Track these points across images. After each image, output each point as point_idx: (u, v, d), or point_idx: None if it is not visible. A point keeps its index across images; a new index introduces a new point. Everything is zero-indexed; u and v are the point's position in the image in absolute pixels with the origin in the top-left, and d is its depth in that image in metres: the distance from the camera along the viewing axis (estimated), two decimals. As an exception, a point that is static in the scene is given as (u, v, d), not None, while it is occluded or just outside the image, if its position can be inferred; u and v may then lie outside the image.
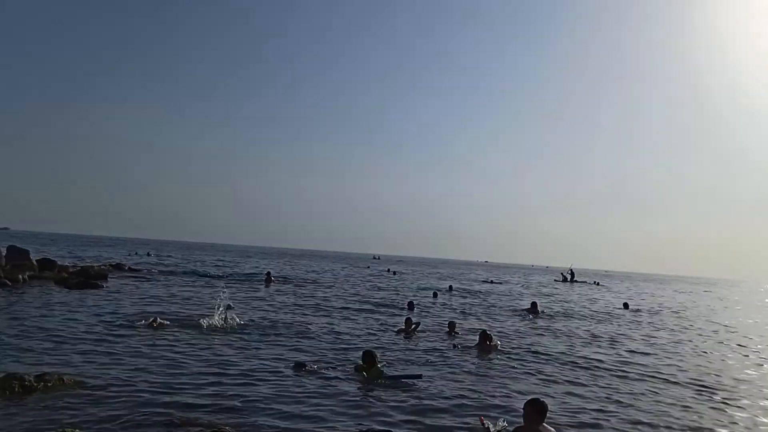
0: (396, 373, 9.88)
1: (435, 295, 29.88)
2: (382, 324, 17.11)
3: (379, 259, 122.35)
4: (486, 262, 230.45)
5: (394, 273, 54.72)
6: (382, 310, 21.35)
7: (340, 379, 9.41)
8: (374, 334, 14.91)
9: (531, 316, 22.32)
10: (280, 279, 35.34)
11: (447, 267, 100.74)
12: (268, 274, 33.90)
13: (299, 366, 9.82)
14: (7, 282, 20.87)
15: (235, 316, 15.29)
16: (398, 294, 29.97)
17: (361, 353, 10.22)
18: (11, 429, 6.14)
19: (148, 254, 60.50)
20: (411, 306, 21.58)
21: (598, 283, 61.34)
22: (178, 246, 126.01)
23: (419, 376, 9.56)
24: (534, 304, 24.52)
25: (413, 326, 15.38)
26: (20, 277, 21.89)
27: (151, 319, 13.86)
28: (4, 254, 23.68)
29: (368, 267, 68.03)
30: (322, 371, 9.78)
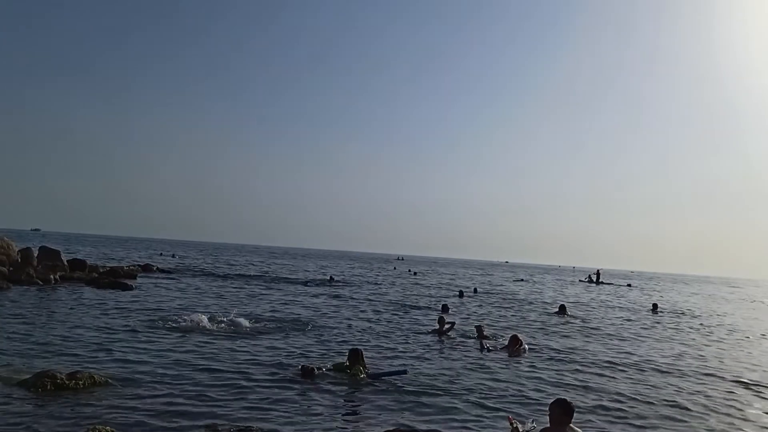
0: (382, 371, 9.67)
1: (461, 294, 29.57)
2: (412, 324, 16.97)
3: (403, 259, 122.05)
4: (506, 262, 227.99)
5: (415, 273, 54.49)
6: (412, 311, 21.20)
7: (348, 381, 9.15)
8: (405, 335, 14.78)
9: (560, 318, 21.91)
10: (294, 278, 35.46)
11: (468, 267, 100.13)
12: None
13: (307, 370, 9.29)
14: (40, 282, 21.29)
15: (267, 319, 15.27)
16: (420, 295, 29.76)
17: (351, 352, 9.80)
18: (44, 426, 6.15)
19: (173, 256, 61.34)
20: (445, 309, 21.39)
21: (630, 285, 60.23)
22: (201, 247, 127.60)
23: (404, 372, 9.55)
24: (563, 307, 24.08)
25: (448, 326, 15.21)
26: (52, 277, 22.32)
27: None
28: (36, 255, 24.16)
29: (394, 268, 68.00)
30: (330, 373, 9.40)
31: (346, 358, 9.73)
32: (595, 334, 17.49)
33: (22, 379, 7.71)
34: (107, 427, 5.89)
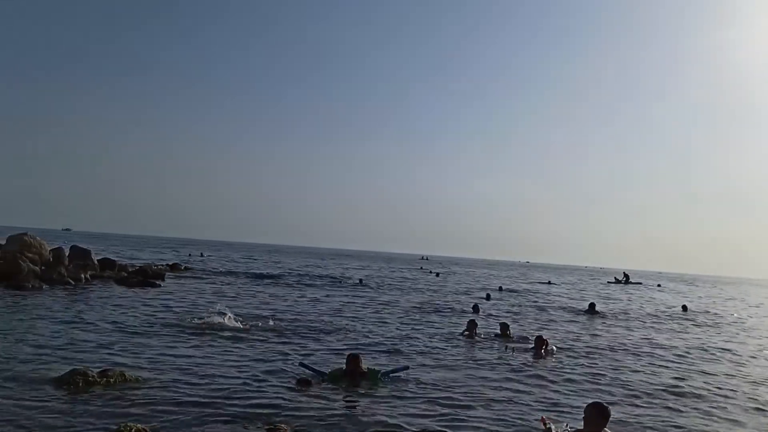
0: (386, 369, 9.49)
1: (488, 297, 29.29)
2: (437, 328, 16.85)
3: (427, 259, 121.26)
4: (527, 262, 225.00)
5: (438, 275, 54.19)
6: (435, 314, 21.04)
7: (362, 384, 8.88)
8: (430, 338, 14.66)
9: (589, 318, 21.56)
10: (320, 279, 35.54)
11: (491, 268, 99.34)
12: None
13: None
14: (71, 281, 21.70)
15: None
16: (444, 297, 29.58)
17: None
18: (76, 423, 6.23)
19: (201, 255, 62.25)
20: (476, 309, 21.23)
21: (660, 285, 59.41)
22: (230, 247, 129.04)
23: (406, 367, 9.86)
24: (592, 305, 23.67)
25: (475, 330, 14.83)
26: (83, 276, 22.72)
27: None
28: (67, 254, 24.66)
29: (421, 268, 68.15)
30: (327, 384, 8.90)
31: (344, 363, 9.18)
32: (625, 335, 17.14)
33: (55, 377, 7.84)
34: (138, 425, 5.94)
